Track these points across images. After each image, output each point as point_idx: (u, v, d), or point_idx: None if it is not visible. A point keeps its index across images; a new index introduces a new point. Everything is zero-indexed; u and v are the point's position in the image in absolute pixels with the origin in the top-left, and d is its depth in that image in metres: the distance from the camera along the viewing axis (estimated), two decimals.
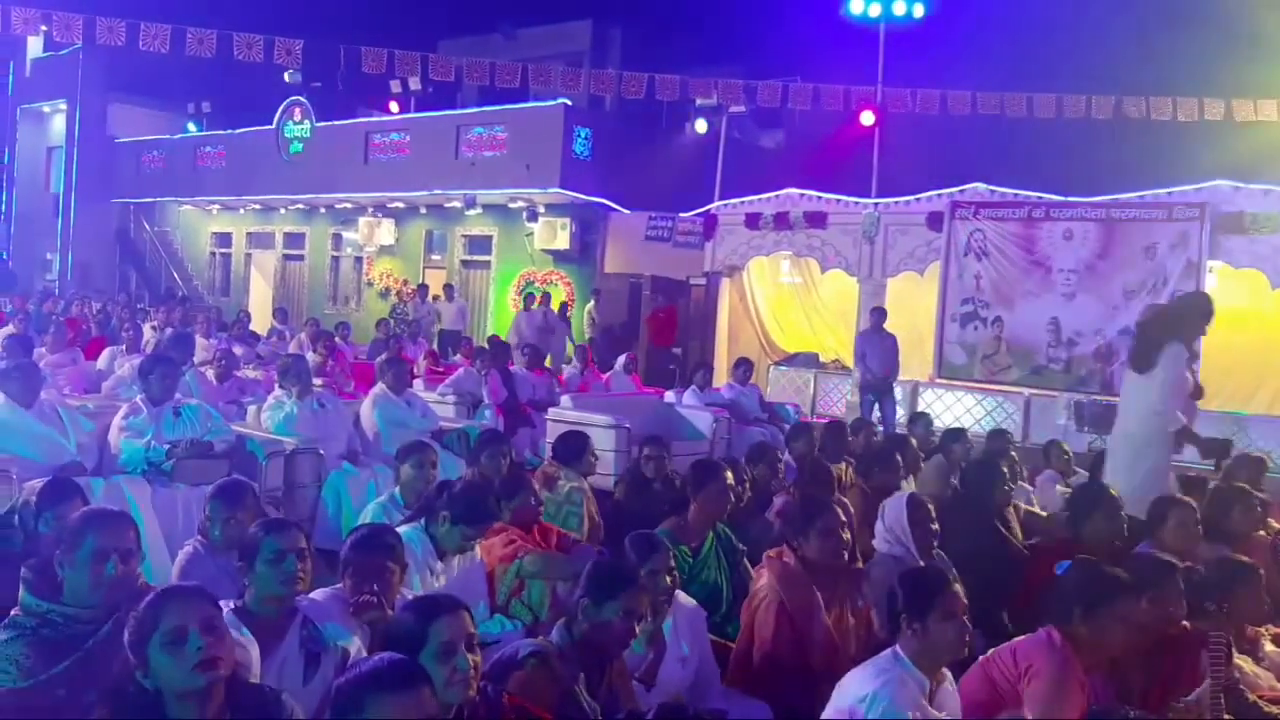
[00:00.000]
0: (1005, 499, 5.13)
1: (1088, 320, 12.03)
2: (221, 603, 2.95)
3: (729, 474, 4.47)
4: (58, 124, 25.81)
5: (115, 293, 22.22)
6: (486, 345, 11.65)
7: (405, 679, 2.15)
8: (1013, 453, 6.65)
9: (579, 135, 16.81)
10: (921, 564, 3.91)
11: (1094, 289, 12.00)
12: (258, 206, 22.62)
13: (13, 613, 2.76)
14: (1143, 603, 3.17)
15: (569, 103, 17.02)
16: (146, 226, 25.13)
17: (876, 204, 14.01)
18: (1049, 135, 17.10)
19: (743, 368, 10.32)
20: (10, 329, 10.06)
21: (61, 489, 3.60)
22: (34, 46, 24.60)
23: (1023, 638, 3.21)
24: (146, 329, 11.78)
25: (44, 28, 15.52)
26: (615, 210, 17.07)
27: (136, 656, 2.24)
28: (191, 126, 24.59)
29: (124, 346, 9.73)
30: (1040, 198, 12.59)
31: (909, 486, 5.83)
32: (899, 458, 5.79)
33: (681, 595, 3.54)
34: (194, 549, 3.79)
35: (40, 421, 5.38)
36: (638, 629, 2.95)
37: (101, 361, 9.36)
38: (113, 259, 25.32)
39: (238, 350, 10.44)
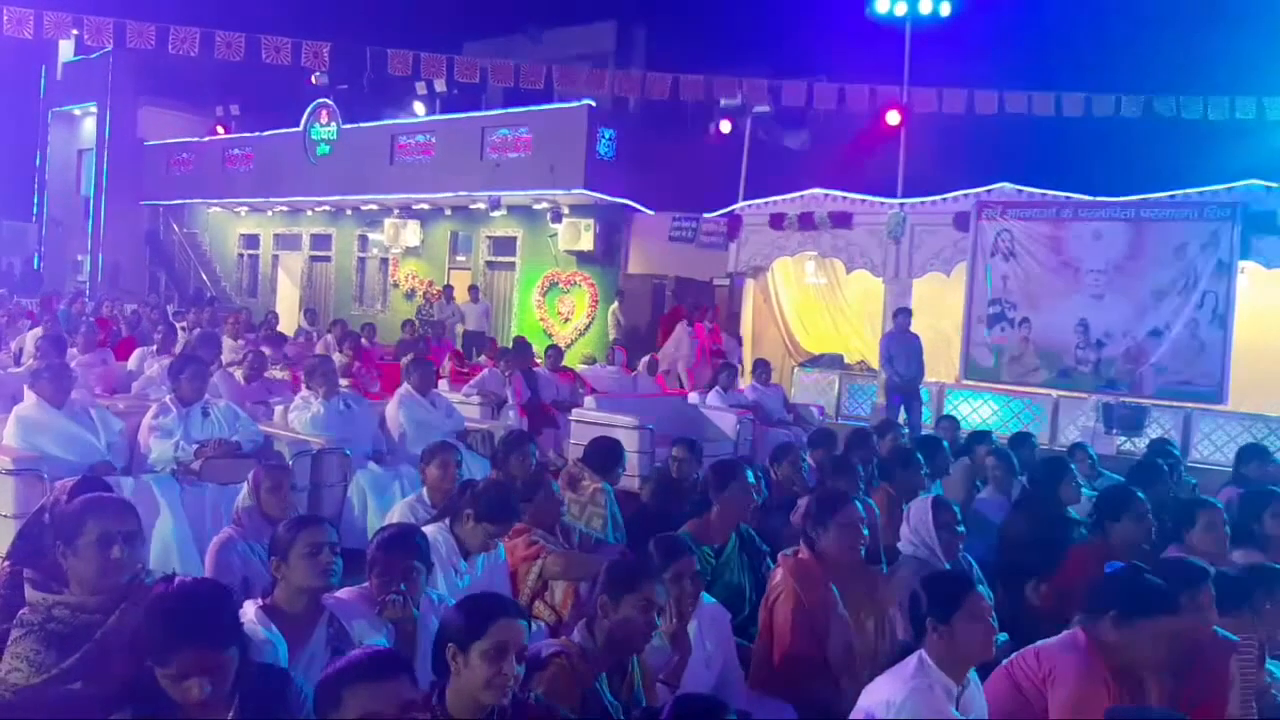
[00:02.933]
0: (1073, 498, 5.16)
1: (1117, 321, 11.91)
2: (249, 602, 3.00)
3: (750, 474, 4.45)
4: (88, 127, 26.14)
5: (145, 294, 22.50)
6: (511, 346, 11.68)
7: (381, 669, 2.17)
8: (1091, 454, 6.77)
9: (603, 136, 16.84)
10: (947, 566, 3.89)
11: (1123, 290, 11.88)
12: (285, 208, 22.81)
13: (20, 612, 2.76)
14: (1181, 618, 3.11)
15: (593, 104, 17.05)
16: (175, 228, 25.40)
17: (902, 204, 13.92)
18: (1077, 134, 16.94)
19: (761, 369, 10.31)
20: (40, 330, 10.19)
21: (91, 487, 3.62)
22: (65, 50, 24.95)
23: (1047, 640, 3.17)
24: (178, 330, 11.87)
25: (75, 31, 15.71)
26: (639, 211, 17.08)
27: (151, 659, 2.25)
28: (220, 129, 24.83)
29: (154, 347, 9.84)
30: (1069, 197, 12.47)
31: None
32: (921, 458, 5.76)
33: (705, 596, 3.54)
34: (228, 536, 3.84)
35: (71, 421, 5.46)
36: (658, 622, 2.95)
37: (132, 362, 9.45)
38: (142, 261, 25.61)
39: (265, 351, 10.52)
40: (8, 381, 6.81)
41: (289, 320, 18.97)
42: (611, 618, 2.88)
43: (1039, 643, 3.17)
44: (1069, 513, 5.18)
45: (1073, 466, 5.50)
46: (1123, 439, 11.29)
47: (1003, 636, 3.47)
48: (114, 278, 24.46)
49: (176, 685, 2.22)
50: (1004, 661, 3.18)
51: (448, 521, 3.98)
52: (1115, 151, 16.87)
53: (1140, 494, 4.50)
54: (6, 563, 3.51)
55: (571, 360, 13.69)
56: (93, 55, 23.39)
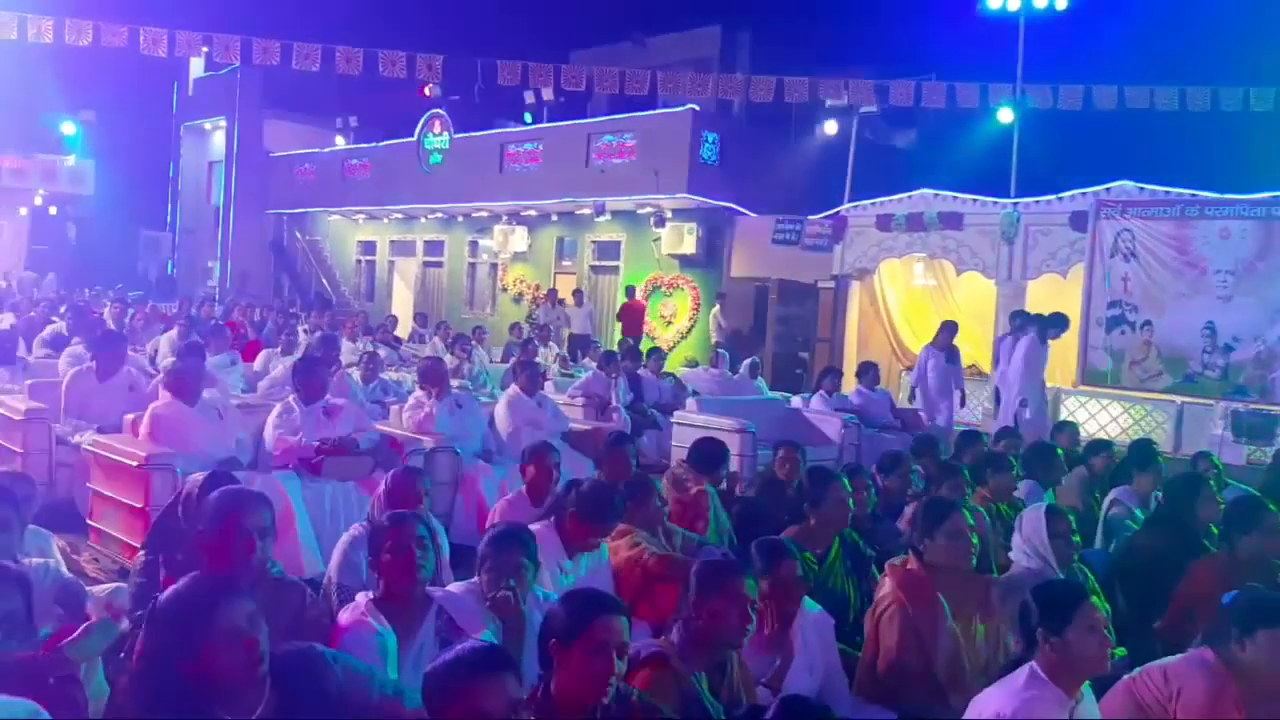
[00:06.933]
0: (1212, 515, 4.82)
1: (1246, 324, 11.35)
2: (361, 594, 3.12)
3: (846, 482, 4.42)
4: (217, 140, 27.45)
5: (270, 298, 23.51)
6: (615, 349, 11.81)
7: (491, 665, 2.19)
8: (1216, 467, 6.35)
9: (707, 140, 16.86)
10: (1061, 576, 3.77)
11: (1254, 291, 11.32)
12: (400, 216, 23.53)
13: (154, 597, 2.95)
14: None
15: (697, 108, 17.08)
16: (299, 236, 26.47)
17: (1016, 203, 13.55)
18: (1203, 129, 16.14)
19: (869, 373, 10.12)
20: (174, 332, 10.76)
21: (221, 482, 3.81)
22: (195, 67, 26.24)
23: (1174, 658, 3.05)
24: (300, 333, 12.39)
25: (205, 49, 16.55)
26: (742, 214, 17.03)
27: (185, 645, 2.20)
28: (339, 140, 25.76)
29: (279, 349, 10.30)
30: (1194, 195, 11.95)
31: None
32: (1013, 460, 5.60)
33: (809, 602, 3.52)
34: (358, 533, 3.93)
35: (203, 419, 5.77)
36: (751, 616, 2.95)
37: (258, 363, 9.93)
38: (268, 266, 26.78)
39: (382, 353, 10.90)
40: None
41: (403, 324, 19.56)
42: (704, 617, 2.90)
43: (1165, 660, 3.05)
44: (1208, 530, 4.91)
45: (1211, 483, 5.22)
46: (1252, 448, 10.72)
47: (1120, 651, 3.36)
48: (242, 283, 25.63)
49: (229, 652, 2.19)
50: (1125, 677, 3.08)
51: (553, 520, 4.06)
52: (1243, 146, 16.00)
53: (1272, 506, 4.29)
54: (143, 552, 3.75)
55: (674, 363, 13.74)
56: (221, 71, 24.54)
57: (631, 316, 16.84)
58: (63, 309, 13.39)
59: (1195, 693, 2.86)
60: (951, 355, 10.50)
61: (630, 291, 17.53)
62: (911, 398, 10.66)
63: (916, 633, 3.43)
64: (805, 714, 2.37)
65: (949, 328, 10.73)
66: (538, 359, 10.70)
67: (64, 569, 3.54)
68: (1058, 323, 10.05)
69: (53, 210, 28.49)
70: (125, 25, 15.62)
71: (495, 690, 2.14)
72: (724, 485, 5.52)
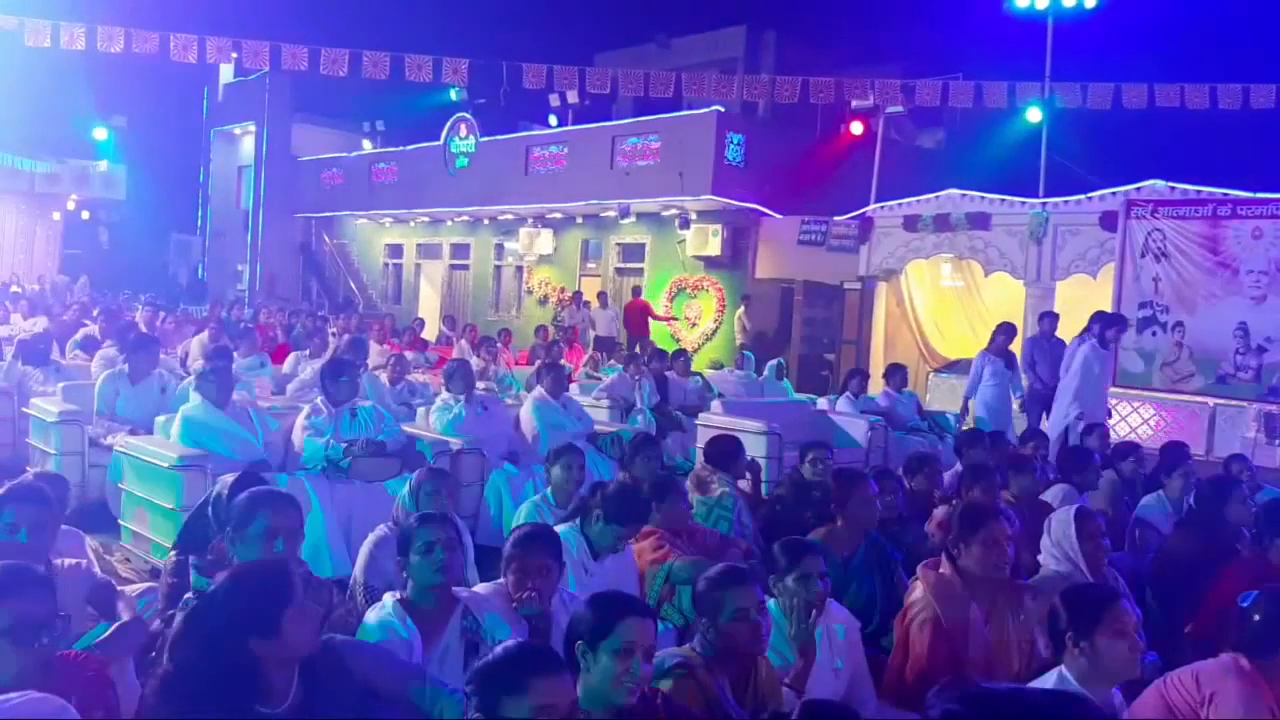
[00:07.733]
0: (1243, 519, 4.77)
1: None
2: (388, 594, 3.14)
3: (873, 484, 4.40)
4: (247, 145, 27.72)
5: (298, 301, 23.72)
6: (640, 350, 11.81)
7: (556, 663, 2.20)
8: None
9: (731, 141, 16.83)
10: (1091, 580, 3.73)
11: None
12: (427, 219, 23.66)
13: (185, 596, 3.00)
14: None
15: (722, 109, 17.06)
16: (326, 239, 26.68)
17: (1045, 203, 13.42)
18: (1235, 127, 15.92)
19: (897, 375, 10.05)
20: (204, 335, 10.88)
21: (250, 483, 3.85)
22: (225, 73, 26.51)
23: (1206, 661, 3.01)
24: (329, 335, 12.47)
25: (234, 55, 16.70)
26: (767, 215, 16.98)
27: (264, 619, 2.31)
28: (367, 144, 25.94)
29: (308, 352, 10.38)
30: (1226, 194, 11.78)
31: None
32: (1037, 463, 5.56)
33: (834, 604, 3.50)
34: (383, 534, 3.98)
35: (233, 420, 5.83)
36: (762, 625, 2.93)
37: (286, 366, 10.02)
38: (297, 270, 27.00)
39: (409, 355, 10.96)
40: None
41: (429, 326, 19.66)
42: (713, 628, 2.89)
43: (1197, 664, 3.01)
44: (1239, 533, 4.84)
45: (1242, 485, 5.15)
46: None
47: (1151, 656, 3.32)
48: (271, 286, 25.87)
49: (301, 619, 2.35)
50: (1156, 681, 3.04)
51: (578, 521, 4.07)
52: (1276, 145, 15.77)
53: None
54: (174, 551, 3.79)
55: (698, 365, 13.72)
56: (250, 77, 24.76)
57: (636, 316, 16.80)
58: (95, 312, 13.57)
59: (1228, 697, 2.82)
60: (1010, 361, 9.72)
61: (636, 291, 17.52)
62: (964, 410, 9.89)
63: (948, 638, 3.39)
64: (829, 718, 2.36)
65: (1006, 330, 9.80)
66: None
67: (96, 569, 3.59)
68: (1115, 322, 9.10)
69: (85, 215, 28.89)
70: (156, 32, 15.79)
71: (558, 687, 2.15)
72: (746, 479, 5.53)
